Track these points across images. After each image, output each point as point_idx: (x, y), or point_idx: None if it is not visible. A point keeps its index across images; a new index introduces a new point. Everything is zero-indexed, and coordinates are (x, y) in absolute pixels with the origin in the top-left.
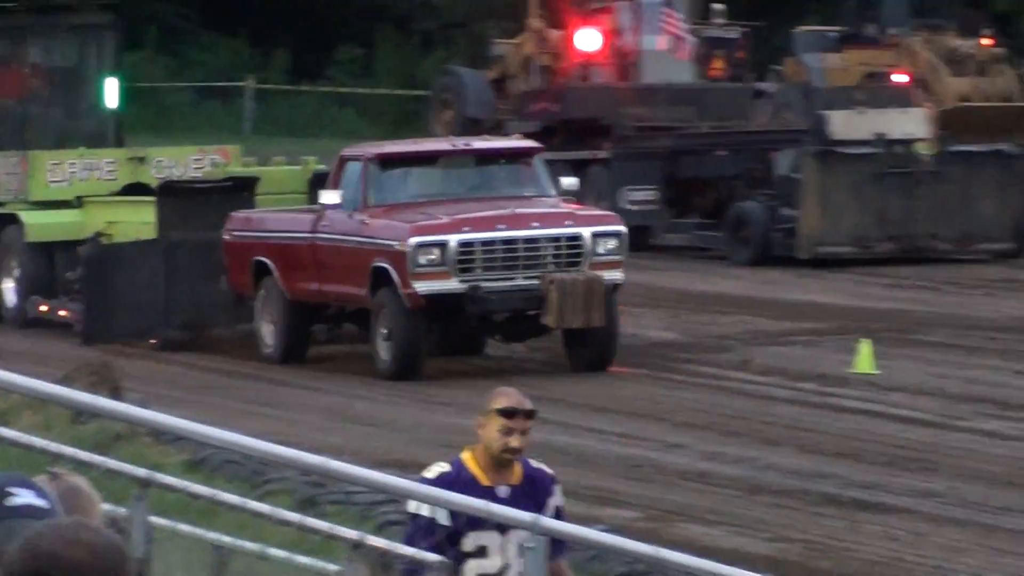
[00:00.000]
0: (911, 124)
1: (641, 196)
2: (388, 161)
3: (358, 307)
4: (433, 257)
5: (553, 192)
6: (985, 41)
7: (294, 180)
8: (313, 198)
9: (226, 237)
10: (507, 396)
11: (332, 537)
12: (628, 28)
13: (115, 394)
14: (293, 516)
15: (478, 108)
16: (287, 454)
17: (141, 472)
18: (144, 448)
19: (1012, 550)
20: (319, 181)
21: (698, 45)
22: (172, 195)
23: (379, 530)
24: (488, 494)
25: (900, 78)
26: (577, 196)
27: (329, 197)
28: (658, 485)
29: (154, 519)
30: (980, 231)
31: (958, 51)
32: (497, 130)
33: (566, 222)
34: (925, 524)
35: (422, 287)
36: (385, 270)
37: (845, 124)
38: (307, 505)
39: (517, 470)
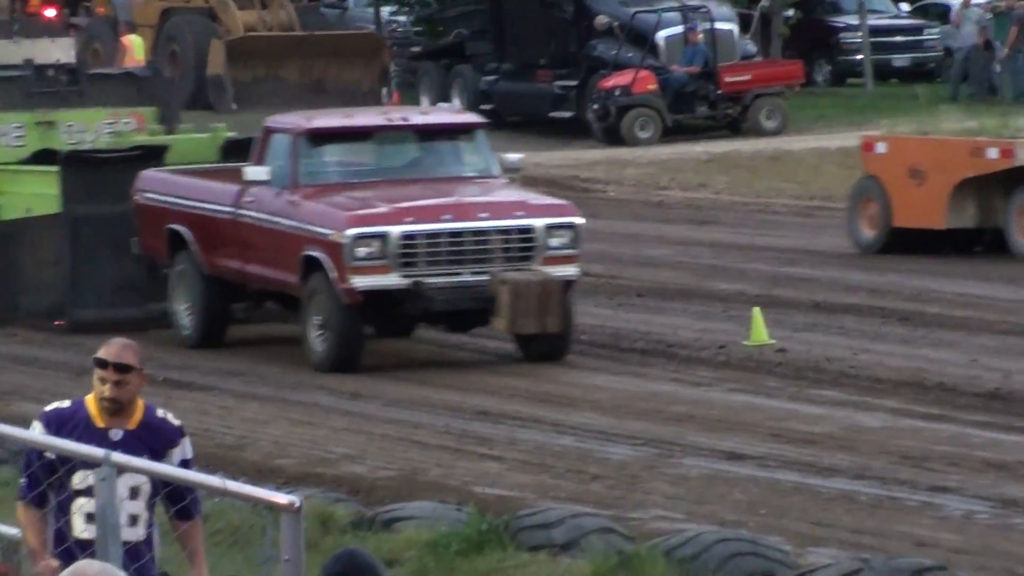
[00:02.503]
0: (59, 51)
1: None
2: (319, 136)
3: (287, 293)
4: (372, 250)
5: (497, 171)
6: None
7: (204, 148)
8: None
9: (137, 199)
10: (106, 347)
11: None
12: None
13: None
14: None
15: None
16: None
17: None
18: None
19: (306, 420)
20: (230, 149)
21: None
22: (77, 166)
23: None
24: (101, 435)
25: (50, 13)
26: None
27: (256, 173)
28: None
29: None
30: None
31: None
32: None
33: (517, 213)
34: (232, 400)
35: (360, 282)
36: (318, 260)
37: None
38: None
39: (136, 416)
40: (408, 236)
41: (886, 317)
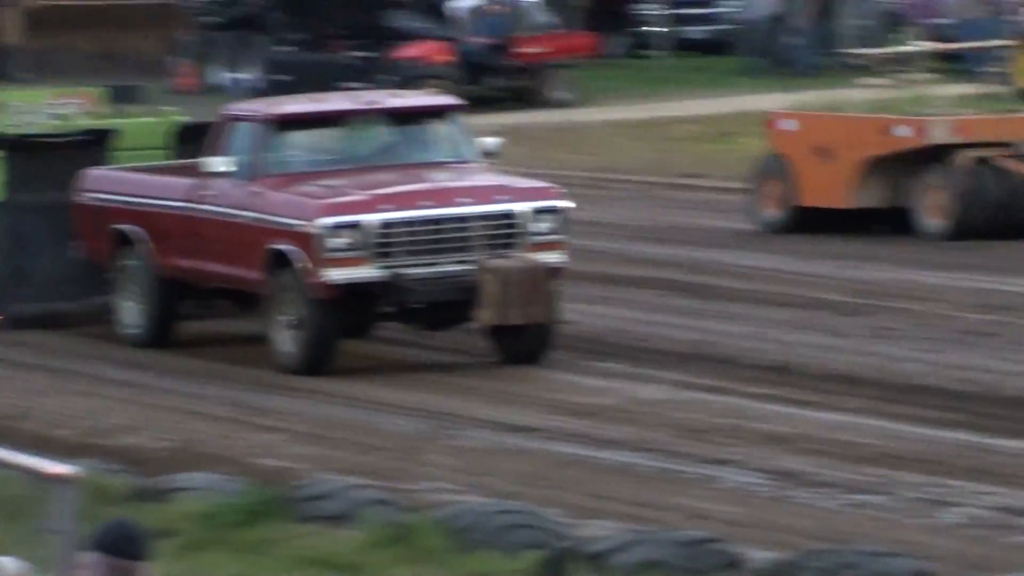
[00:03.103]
0: None
1: None
2: (287, 123)
3: (249, 291)
4: (347, 240)
5: (473, 156)
6: None
7: (153, 134)
8: (178, 154)
9: (78, 199)
10: None
11: None
12: None
13: None
14: None
15: None
16: None
17: None
18: None
19: (85, 391)
20: (184, 135)
21: None
22: (19, 150)
23: None
24: None
25: None
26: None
27: (218, 164)
28: None
29: None
30: None
31: None
32: None
33: (497, 197)
34: (10, 370)
35: (335, 275)
36: (286, 254)
37: None
38: None
39: None
40: (385, 225)
41: (673, 289)
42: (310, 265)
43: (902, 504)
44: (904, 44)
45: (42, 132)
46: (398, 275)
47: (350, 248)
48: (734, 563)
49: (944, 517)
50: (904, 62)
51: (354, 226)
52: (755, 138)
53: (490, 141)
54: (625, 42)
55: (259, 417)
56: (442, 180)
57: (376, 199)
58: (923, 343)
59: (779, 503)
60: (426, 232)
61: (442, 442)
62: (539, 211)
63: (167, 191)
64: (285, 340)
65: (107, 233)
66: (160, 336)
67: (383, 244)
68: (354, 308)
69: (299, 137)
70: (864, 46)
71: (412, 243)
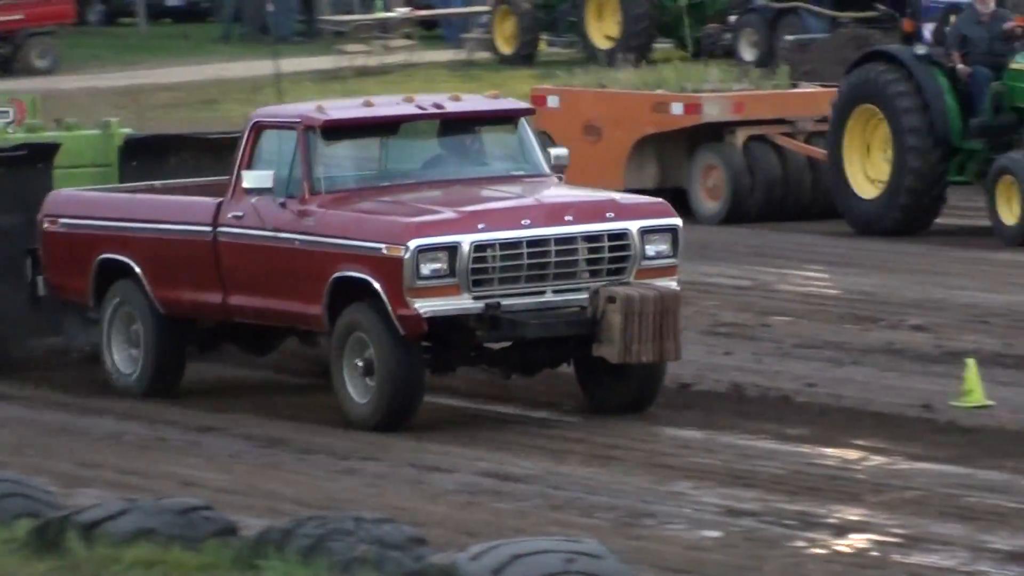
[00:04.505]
0: None
1: None
2: (337, 130)
3: (304, 328)
4: (439, 266)
5: (547, 168)
6: None
7: (99, 149)
8: (125, 172)
9: (47, 226)
10: None
11: None
12: None
13: None
14: None
15: None
16: None
17: None
18: None
19: None
20: (132, 150)
21: None
22: None
23: None
24: None
25: None
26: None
27: (257, 180)
28: None
29: None
30: None
31: None
32: None
33: (607, 214)
34: None
35: (425, 307)
36: (361, 283)
37: None
38: None
39: None
40: (482, 247)
41: None
42: (394, 296)
43: (392, 470)
44: (382, 11)
45: None
46: (496, 305)
47: (442, 275)
48: (227, 530)
49: (436, 483)
50: (383, 28)
51: (447, 249)
52: (237, 104)
53: (558, 151)
54: (103, 10)
55: None
56: (543, 196)
57: (469, 217)
58: None
59: (266, 469)
60: (530, 255)
61: None
62: (651, 230)
63: (176, 213)
64: (358, 389)
65: (92, 266)
66: (162, 384)
67: (480, 270)
68: (439, 347)
69: (352, 146)
70: (342, 13)
71: (512, 268)
